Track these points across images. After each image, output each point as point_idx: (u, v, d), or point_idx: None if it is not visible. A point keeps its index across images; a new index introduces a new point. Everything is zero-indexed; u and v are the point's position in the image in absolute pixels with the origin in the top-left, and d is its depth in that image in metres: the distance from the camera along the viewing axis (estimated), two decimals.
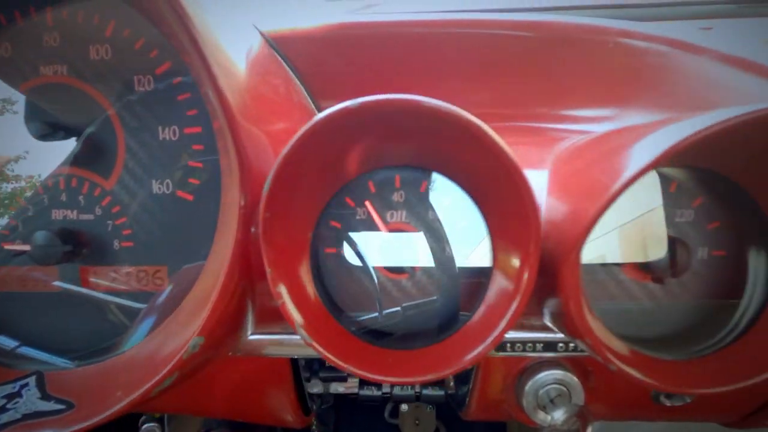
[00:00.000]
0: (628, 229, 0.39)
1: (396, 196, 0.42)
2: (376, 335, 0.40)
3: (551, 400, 0.61)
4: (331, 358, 0.34)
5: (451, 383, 0.78)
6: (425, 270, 0.42)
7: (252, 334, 0.55)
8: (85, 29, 0.46)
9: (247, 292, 0.41)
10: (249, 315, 0.46)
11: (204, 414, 0.72)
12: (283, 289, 0.34)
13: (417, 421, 2.05)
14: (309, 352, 0.58)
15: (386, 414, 1.90)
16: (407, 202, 0.42)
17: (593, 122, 0.54)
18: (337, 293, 0.42)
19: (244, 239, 0.36)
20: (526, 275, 0.33)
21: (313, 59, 0.63)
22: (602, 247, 0.39)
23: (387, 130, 0.32)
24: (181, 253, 0.48)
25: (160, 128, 0.47)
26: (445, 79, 0.63)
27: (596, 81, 0.55)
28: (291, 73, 0.61)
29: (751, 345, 0.35)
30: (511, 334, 0.55)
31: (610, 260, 0.40)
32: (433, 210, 0.42)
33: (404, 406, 2.08)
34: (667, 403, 0.63)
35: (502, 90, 0.61)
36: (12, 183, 0.51)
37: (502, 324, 0.33)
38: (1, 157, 0.50)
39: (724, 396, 0.64)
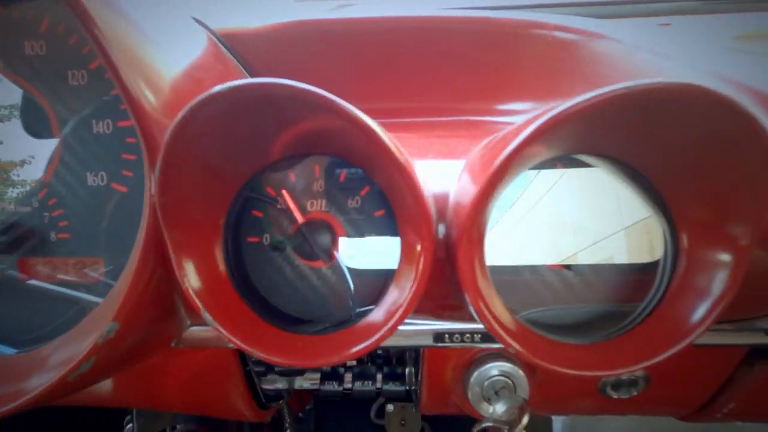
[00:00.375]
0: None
1: (316, 186, 0.43)
2: (291, 321, 0.41)
3: (496, 392, 0.61)
4: (235, 341, 0.35)
5: (413, 379, 0.78)
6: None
7: (192, 325, 0.56)
8: (20, 25, 0.47)
9: (169, 280, 0.41)
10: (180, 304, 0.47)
11: (162, 407, 0.72)
12: (188, 273, 0.35)
13: (403, 422, 2.05)
14: None
15: (372, 414, 1.90)
16: (327, 192, 0.43)
17: (529, 114, 0.55)
18: (259, 281, 0.42)
19: (156, 225, 0.36)
20: (422, 259, 0.33)
21: (262, 57, 0.64)
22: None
23: (280, 116, 0.33)
24: (117, 244, 0.49)
25: (94, 121, 0.48)
26: (391, 76, 0.64)
27: (532, 74, 0.56)
28: (242, 70, 0.62)
29: (647, 332, 0.35)
30: (450, 325, 0.56)
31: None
32: (353, 199, 0.42)
33: (390, 406, 2.08)
34: (614, 396, 0.63)
35: (444, 85, 0.62)
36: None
37: (399, 312, 0.34)
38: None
39: (674, 389, 0.64)
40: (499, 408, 0.58)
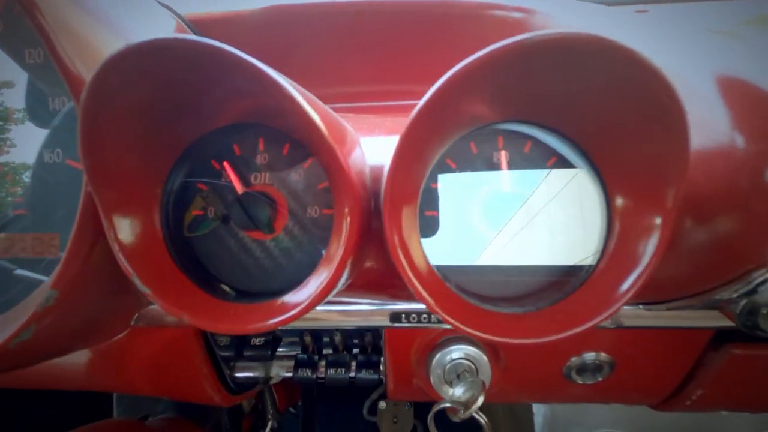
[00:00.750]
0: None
1: (260, 159, 0.43)
2: (235, 293, 0.41)
3: (458, 376, 0.61)
4: (162, 303, 0.35)
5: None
6: (287, 231, 0.42)
7: (152, 303, 0.56)
8: None
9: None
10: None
11: (131, 390, 0.73)
12: (118, 232, 0.34)
13: (395, 419, 2.04)
14: None
15: (365, 411, 1.90)
16: (270, 165, 0.43)
17: None
18: (202, 253, 0.43)
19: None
20: (347, 222, 0.33)
21: (230, 43, 0.64)
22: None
23: (204, 79, 0.33)
24: (73, 220, 0.50)
25: (50, 99, 0.49)
26: (342, 61, 0.64)
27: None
28: None
29: (578, 302, 0.35)
30: (406, 306, 0.56)
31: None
32: (296, 172, 0.43)
33: (382, 404, 2.08)
34: (579, 381, 0.62)
35: (411, 68, 0.62)
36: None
37: (325, 281, 0.34)
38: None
39: (641, 376, 0.63)
40: (458, 390, 0.57)
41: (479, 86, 0.31)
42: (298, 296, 0.36)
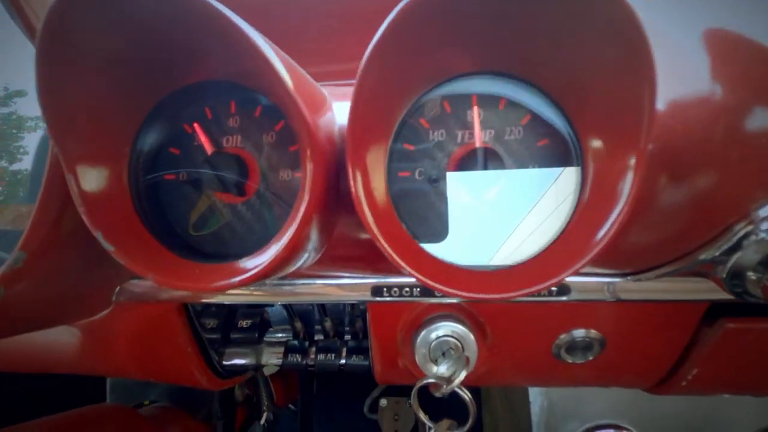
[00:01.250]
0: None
1: (231, 122, 0.42)
2: (205, 256, 0.40)
3: (443, 354, 0.59)
4: (131, 264, 0.34)
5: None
6: (259, 195, 0.42)
7: (133, 277, 0.56)
8: None
9: None
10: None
11: (119, 373, 0.72)
12: (80, 182, 0.34)
13: (396, 417, 2.02)
14: (190, 296, 0.58)
15: (365, 409, 1.88)
16: (242, 128, 0.42)
17: None
18: (174, 218, 0.42)
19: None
20: (309, 168, 0.32)
21: None
22: None
23: (167, 29, 0.32)
24: None
25: None
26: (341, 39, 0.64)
27: None
28: None
29: (552, 256, 0.34)
30: (388, 279, 0.55)
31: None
32: (268, 134, 0.42)
33: (383, 401, 2.06)
34: (569, 360, 0.60)
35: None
36: None
37: (287, 238, 0.33)
38: None
39: (633, 355, 0.61)
40: (442, 367, 0.56)
41: (435, 21, 0.31)
42: (263, 257, 0.35)
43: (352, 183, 0.33)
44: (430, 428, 0.57)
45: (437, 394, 0.54)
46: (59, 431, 0.69)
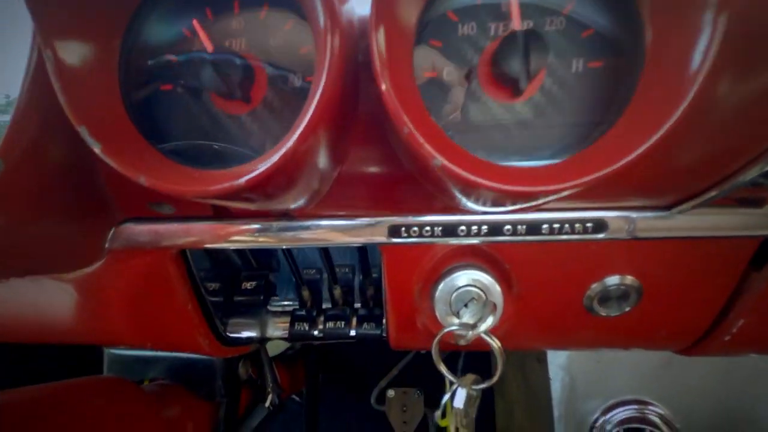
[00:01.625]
0: None
1: (235, 24, 0.38)
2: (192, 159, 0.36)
3: (465, 305, 0.55)
4: (120, 163, 0.30)
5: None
6: (267, 103, 0.37)
7: (126, 220, 0.51)
8: None
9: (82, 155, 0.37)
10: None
11: (114, 340, 0.68)
12: (60, 59, 0.29)
13: (404, 407, 1.96)
14: (191, 241, 0.53)
15: (372, 400, 1.83)
16: (247, 30, 0.38)
17: None
18: (165, 124, 0.37)
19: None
20: (328, 40, 0.27)
21: None
22: None
23: None
24: None
25: None
26: None
27: None
28: None
29: (610, 142, 0.29)
30: (406, 219, 0.50)
31: None
32: (276, 36, 0.38)
33: (391, 392, 2.00)
34: (602, 313, 0.55)
35: None
36: None
37: (295, 138, 0.28)
38: None
39: (671, 307, 0.56)
40: (467, 315, 0.51)
41: None
42: (272, 157, 0.31)
43: (377, 59, 0.28)
44: (452, 383, 0.53)
45: (461, 342, 0.49)
46: (57, 398, 0.65)
